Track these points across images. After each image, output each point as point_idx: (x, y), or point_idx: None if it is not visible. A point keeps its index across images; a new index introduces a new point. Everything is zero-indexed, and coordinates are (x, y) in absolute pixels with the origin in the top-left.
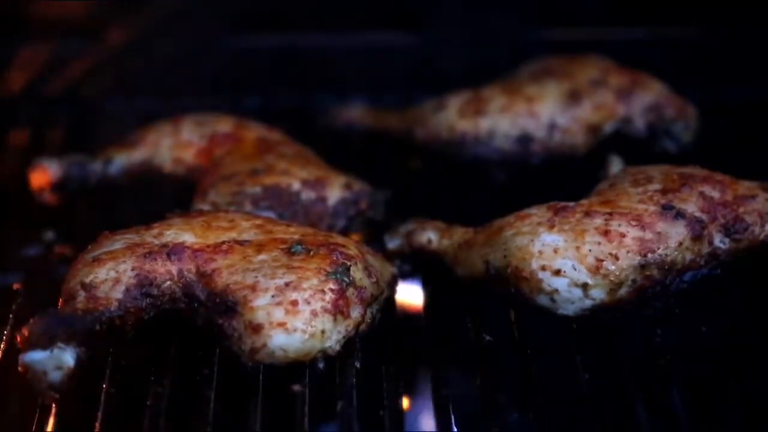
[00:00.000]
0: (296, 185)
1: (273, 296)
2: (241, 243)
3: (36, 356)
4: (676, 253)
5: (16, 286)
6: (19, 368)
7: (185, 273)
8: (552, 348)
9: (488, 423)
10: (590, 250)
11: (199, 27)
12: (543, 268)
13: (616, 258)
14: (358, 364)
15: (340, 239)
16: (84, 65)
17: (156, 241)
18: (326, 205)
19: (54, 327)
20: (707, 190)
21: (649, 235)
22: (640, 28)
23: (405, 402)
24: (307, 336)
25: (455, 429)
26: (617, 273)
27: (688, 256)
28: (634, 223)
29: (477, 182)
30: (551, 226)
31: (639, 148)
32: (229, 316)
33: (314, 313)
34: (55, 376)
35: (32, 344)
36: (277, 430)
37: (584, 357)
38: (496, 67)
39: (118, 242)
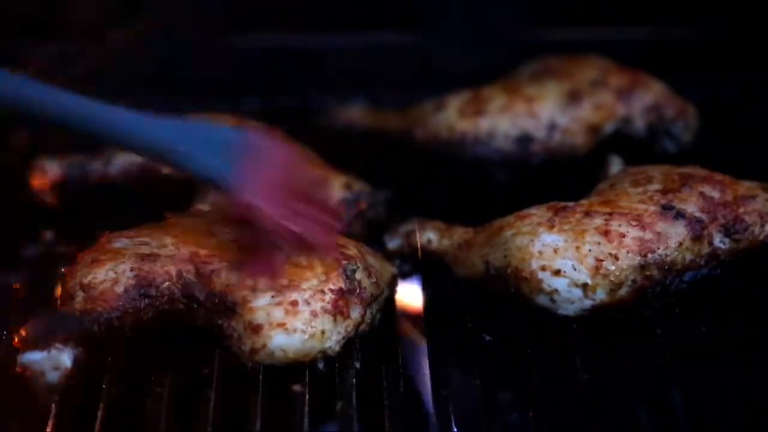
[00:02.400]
0: None
1: (272, 296)
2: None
3: (34, 357)
4: (676, 253)
5: (16, 286)
6: (17, 368)
7: (184, 274)
8: (552, 348)
9: (488, 423)
10: (590, 250)
11: (199, 27)
12: (543, 268)
13: (616, 258)
14: (358, 365)
15: (340, 239)
16: (84, 65)
17: (155, 242)
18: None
19: (52, 327)
20: (707, 190)
21: (649, 235)
22: (640, 28)
23: (405, 402)
24: (306, 336)
25: (455, 429)
26: (617, 273)
27: (688, 256)
28: (634, 223)
29: (477, 182)
30: (551, 226)
31: (639, 148)
32: (228, 317)
33: (314, 314)
34: (53, 376)
35: (30, 345)
36: (277, 430)
37: (584, 357)
38: (496, 67)
39: (118, 242)
